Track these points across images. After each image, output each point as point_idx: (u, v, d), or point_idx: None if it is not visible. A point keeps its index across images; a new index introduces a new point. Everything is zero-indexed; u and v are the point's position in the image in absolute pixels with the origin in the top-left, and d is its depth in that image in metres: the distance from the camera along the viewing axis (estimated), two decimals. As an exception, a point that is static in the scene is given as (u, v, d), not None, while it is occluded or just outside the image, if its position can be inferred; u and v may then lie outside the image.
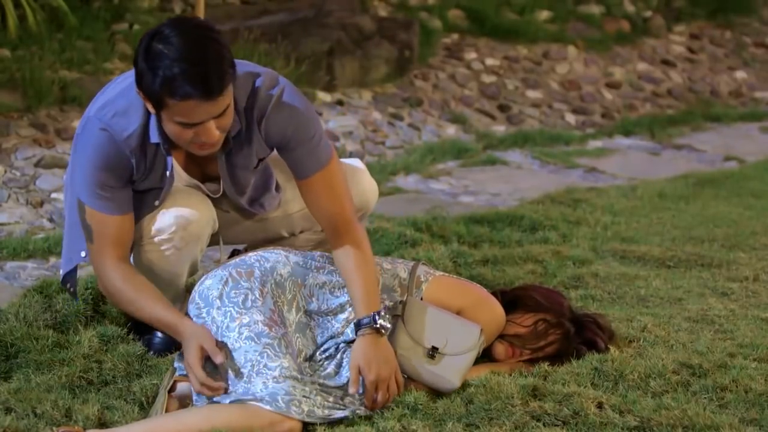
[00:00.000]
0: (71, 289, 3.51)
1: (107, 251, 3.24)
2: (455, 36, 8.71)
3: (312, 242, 3.73)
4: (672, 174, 6.58)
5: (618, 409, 3.13)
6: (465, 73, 8.23)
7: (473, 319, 3.36)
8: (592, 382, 3.30)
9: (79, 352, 3.38)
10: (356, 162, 3.76)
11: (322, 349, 3.26)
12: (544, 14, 9.20)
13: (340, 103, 7.20)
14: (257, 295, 3.19)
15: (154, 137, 3.18)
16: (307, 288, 3.31)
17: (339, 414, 3.11)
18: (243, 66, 3.23)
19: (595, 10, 9.58)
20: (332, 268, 3.35)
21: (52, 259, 4.46)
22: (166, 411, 3.09)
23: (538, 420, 3.10)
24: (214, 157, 3.32)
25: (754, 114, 8.69)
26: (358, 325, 3.20)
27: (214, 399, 3.07)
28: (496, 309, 3.46)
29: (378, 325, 3.19)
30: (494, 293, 3.55)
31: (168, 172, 3.28)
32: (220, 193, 3.48)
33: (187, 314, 3.26)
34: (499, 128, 7.62)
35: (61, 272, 3.48)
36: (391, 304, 3.35)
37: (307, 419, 3.03)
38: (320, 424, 3.05)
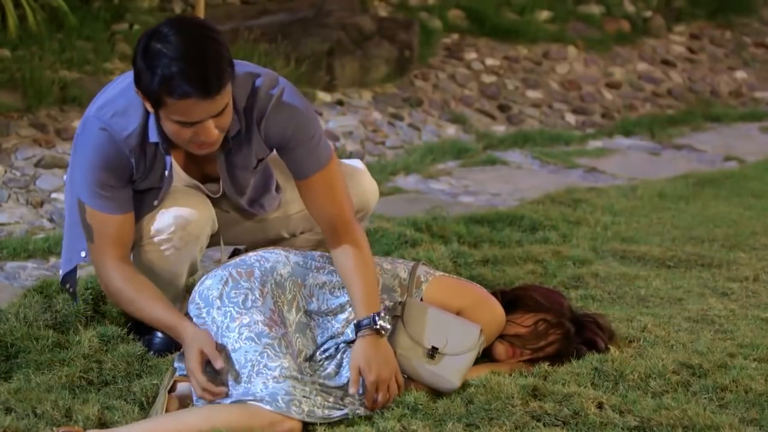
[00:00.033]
0: (71, 290, 3.50)
1: (108, 251, 3.24)
2: (455, 36, 8.70)
3: (312, 242, 3.73)
4: (672, 174, 6.57)
5: (618, 409, 3.13)
6: (465, 73, 8.22)
7: (473, 319, 3.36)
8: (592, 382, 3.30)
9: (79, 352, 3.38)
10: (357, 162, 3.76)
11: (322, 349, 3.26)
12: (544, 14, 9.20)
13: (340, 103, 7.20)
14: (257, 295, 3.19)
15: (153, 137, 3.18)
16: (307, 288, 3.30)
17: (339, 414, 3.11)
18: (243, 66, 3.22)
19: (595, 10, 9.57)
20: (332, 268, 3.35)
21: (52, 259, 4.45)
22: (166, 411, 3.09)
23: (538, 420, 3.09)
24: (214, 157, 3.31)
25: (754, 114, 8.69)
26: (358, 326, 3.20)
27: (215, 399, 3.08)
28: (496, 309, 3.46)
29: (378, 326, 3.18)
30: (494, 293, 3.55)
31: (167, 172, 3.28)
32: (220, 193, 3.48)
33: (187, 314, 3.26)
34: (499, 128, 7.62)
35: (61, 272, 3.48)
36: (391, 304, 3.35)
37: (307, 419, 3.03)
38: (320, 424, 3.05)
